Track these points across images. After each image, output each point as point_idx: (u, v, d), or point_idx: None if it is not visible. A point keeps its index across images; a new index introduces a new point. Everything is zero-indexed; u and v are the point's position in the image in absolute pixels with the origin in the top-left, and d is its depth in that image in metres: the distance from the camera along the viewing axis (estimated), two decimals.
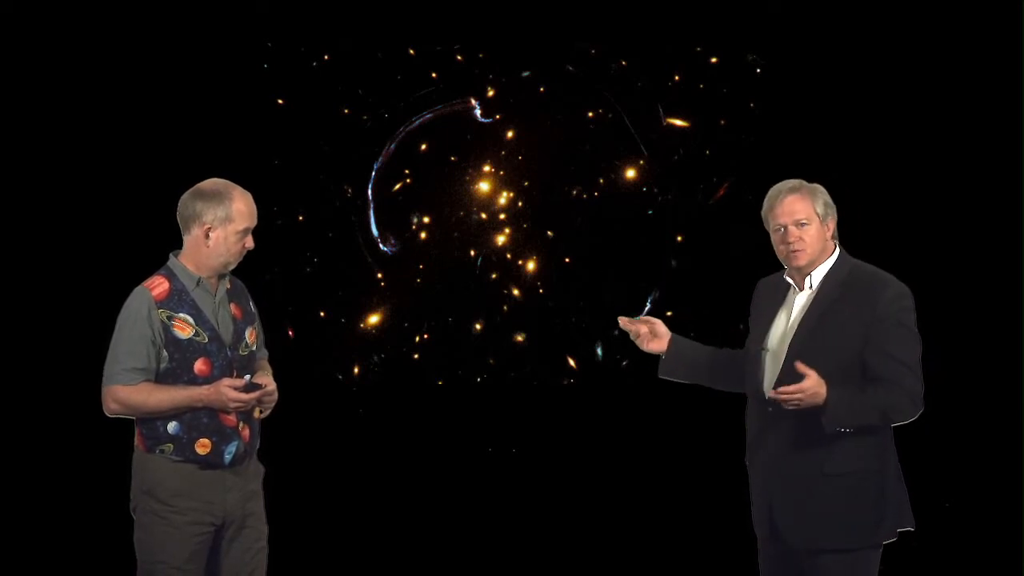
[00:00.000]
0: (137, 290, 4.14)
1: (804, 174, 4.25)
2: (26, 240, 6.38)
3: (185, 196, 4.17)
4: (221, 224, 4.11)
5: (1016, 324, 6.24)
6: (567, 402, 6.74)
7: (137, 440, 4.18)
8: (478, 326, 6.81)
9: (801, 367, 3.94)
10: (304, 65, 6.63)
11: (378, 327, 6.80)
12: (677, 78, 6.65)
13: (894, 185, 6.37)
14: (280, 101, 6.64)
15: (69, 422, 6.17)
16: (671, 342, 4.39)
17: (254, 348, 4.34)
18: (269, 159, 6.58)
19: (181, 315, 4.11)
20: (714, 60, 6.61)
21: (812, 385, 3.90)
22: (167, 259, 4.22)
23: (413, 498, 6.53)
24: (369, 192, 6.75)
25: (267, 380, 4.18)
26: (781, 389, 3.93)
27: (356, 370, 6.75)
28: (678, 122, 6.69)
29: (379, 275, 6.78)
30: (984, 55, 6.26)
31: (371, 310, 6.80)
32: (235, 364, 4.20)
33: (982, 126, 6.29)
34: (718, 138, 6.65)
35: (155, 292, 4.11)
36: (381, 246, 6.79)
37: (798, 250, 4.10)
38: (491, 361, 6.81)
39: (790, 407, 3.95)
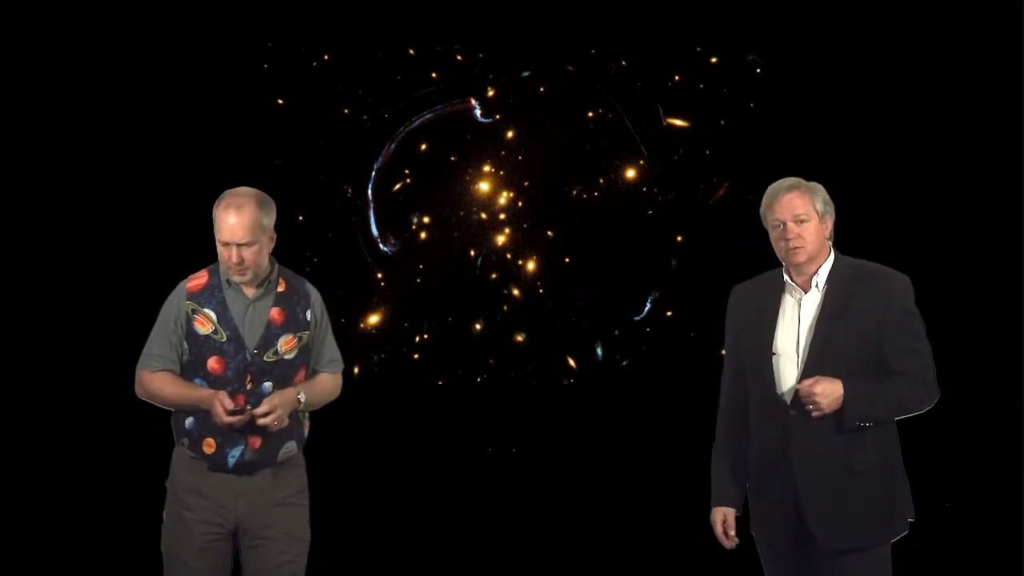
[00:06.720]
0: (182, 281, 4.15)
1: (804, 174, 4.25)
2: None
3: None
4: (216, 232, 4.06)
5: (1017, 324, 6.24)
6: (567, 402, 6.74)
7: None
8: (478, 326, 6.82)
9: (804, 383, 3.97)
10: (304, 65, 6.64)
11: (378, 327, 6.81)
12: (677, 78, 6.66)
13: (894, 184, 6.37)
14: (280, 101, 6.65)
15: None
16: (734, 507, 4.32)
17: (288, 356, 4.13)
18: (269, 159, 6.58)
19: (206, 310, 4.07)
20: (714, 60, 6.62)
21: (824, 384, 3.92)
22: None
23: (413, 498, 6.53)
24: (369, 192, 6.76)
25: (266, 407, 4.03)
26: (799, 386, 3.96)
27: (356, 370, 6.75)
28: (678, 122, 6.70)
29: (379, 275, 6.79)
30: (985, 55, 6.26)
31: (371, 310, 6.81)
32: (252, 368, 4.08)
33: (982, 125, 6.29)
34: (718, 138, 6.66)
35: (191, 284, 4.10)
36: (381, 246, 6.80)
37: (797, 247, 4.08)
38: (491, 361, 6.81)
39: (814, 415, 3.96)
